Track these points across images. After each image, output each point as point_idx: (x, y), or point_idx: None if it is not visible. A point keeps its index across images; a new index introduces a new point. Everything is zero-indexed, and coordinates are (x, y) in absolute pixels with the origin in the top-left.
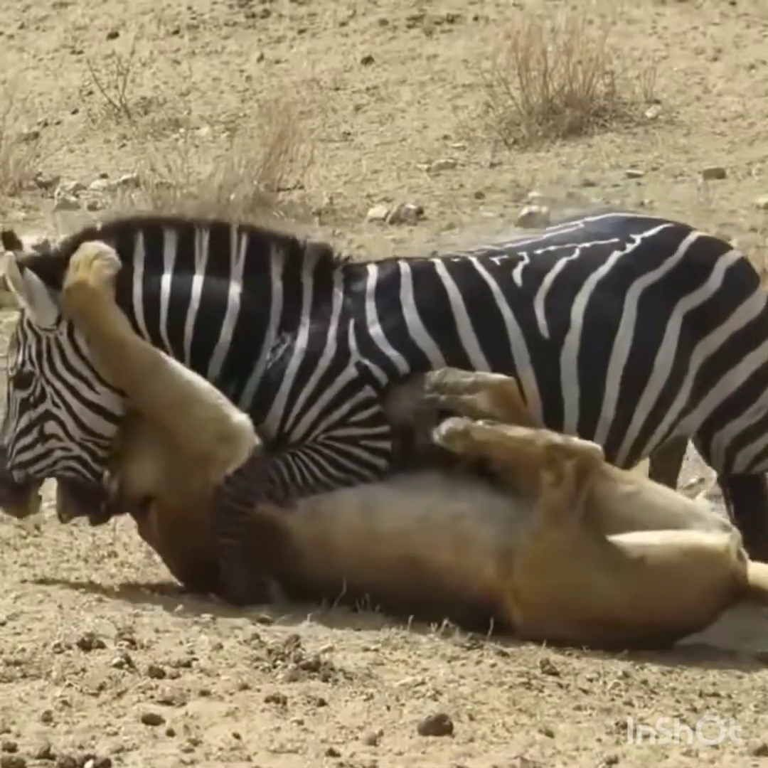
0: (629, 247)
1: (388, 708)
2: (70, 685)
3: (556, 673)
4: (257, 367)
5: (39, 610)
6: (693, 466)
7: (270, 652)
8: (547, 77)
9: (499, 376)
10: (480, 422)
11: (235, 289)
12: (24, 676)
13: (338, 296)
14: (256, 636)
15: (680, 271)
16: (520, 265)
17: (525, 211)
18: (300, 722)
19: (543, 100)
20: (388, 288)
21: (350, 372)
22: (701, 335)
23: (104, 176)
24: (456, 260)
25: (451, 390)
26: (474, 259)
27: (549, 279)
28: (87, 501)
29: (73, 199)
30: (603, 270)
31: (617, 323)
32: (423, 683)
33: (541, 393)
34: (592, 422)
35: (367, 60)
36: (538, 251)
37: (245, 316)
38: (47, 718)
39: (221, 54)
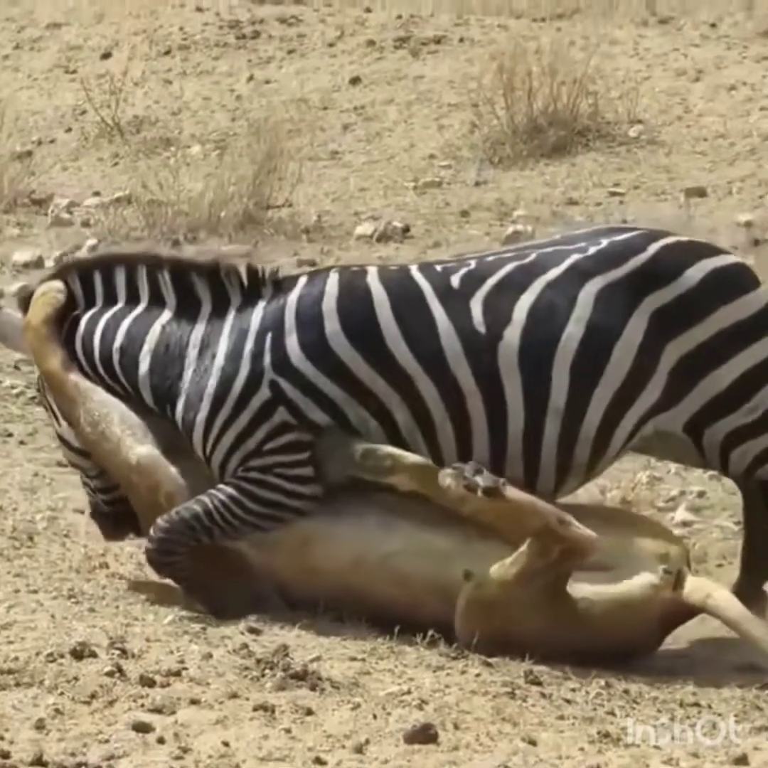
0: (591, 250)
1: (375, 717)
2: (62, 693)
3: (539, 683)
4: (181, 390)
5: (32, 619)
6: (673, 479)
7: (259, 661)
8: (531, 97)
9: (415, 459)
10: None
11: (161, 320)
12: (17, 685)
13: (260, 311)
14: (245, 645)
15: (647, 271)
16: (463, 270)
17: (510, 229)
18: (288, 730)
19: (527, 120)
20: (311, 299)
21: (264, 393)
22: (675, 333)
23: (97, 194)
24: (392, 268)
25: (371, 472)
26: (413, 267)
27: (492, 281)
28: (107, 523)
29: (66, 216)
30: (555, 271)
31: (565, 319)
32: (409, 692)
33: (479, 387)
34: (541, 410)
35: (355, 80)
36: (490, 258)
37: (163, 345)
38: (40, 725)
39: (212, 74)
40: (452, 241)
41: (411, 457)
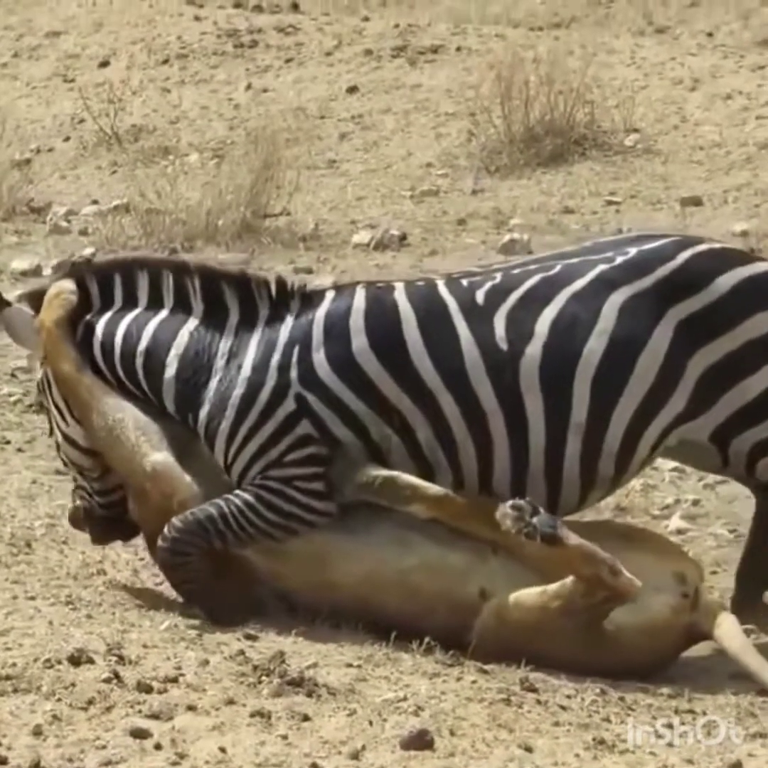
0: (619, 260)
1: (371, 723)
2: (59, 700)
3: (535, 690)
4: (205, 398)
5: (30, 625)
6: (668, 487)
7: (255, 667)
8: (528, 106)
9: (436, 490)
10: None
11: (188, 327)
12: (15, 691)
13: (288, 324)
14: (242, 652)
15: (674, 279)
16: (488, 284)
17: (506, 237)
18: (284, 737)
19: (524, 129)
20: (339, 314)
21: (289, 405)
22: (703, 342)
23: (95, 202)
24: (419, 283)
25: (390, 499)
26: (440, 282)
27: (516, 294)
28: (101, 527)
29: (64, 224)
30: (580, 283)
31: (588, 332)
32: (405, 699)
33: (500, 404)
34: (562, 426)
35: (352, 89)
36: (516, 270)
37: (190, 352)
38: (37, 731)
39: (210, 83)
40: (449, 250)
41: (432, 489)
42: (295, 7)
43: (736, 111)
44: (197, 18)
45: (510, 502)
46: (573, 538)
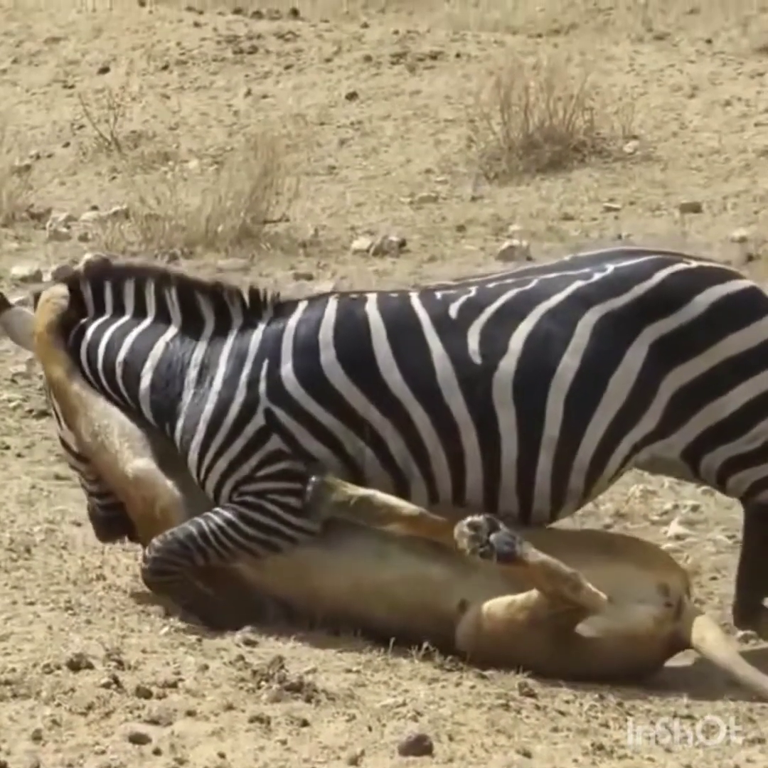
0: (596, 277)
1: (370, 728)
2: (59, 705)
3: (533, 695)
4: (180, 410)
5: (29, 631)
6: (667, 492)
7: (254, 673)
8: (527, 113)
9: (411, 510)
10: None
11: (165, 338)
12: (14, 696)
13: (258, 336)
14: (241, 657)
15: (650, 298)
16: (462, 298)
17: (505, 244)
18: (283, 742)
19: (523, 136)
20: (308, 326)
21: (258, 420)
22: (676, 361)
23: (95, 208)
24: (392, 295)
25: (365, 518)
26: (414, 294)
27: (491, 309)
28: (101, 525)
29: (64, 230)
30: (555, 299)
31: (562, 349)
32: (404, 704)
33: (472, 417)
34: (535, 440)
35: (352, 95)
36: (492, 284)
37: (165, 363)
38: (37, 736)
39: (209, 89)
40: (448, 256)
41: (407, 508)
42: (294, 13)
43: (735, 118)
44: (197, 24)
45: (467, 520)
46: (532, 556)
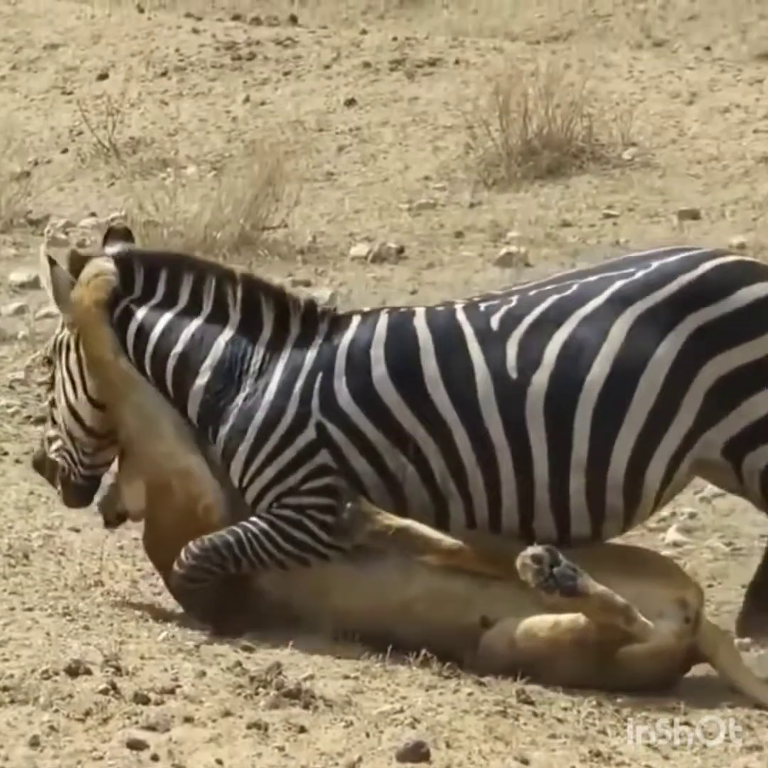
0: (638, 274)
1: (367, 735)
2: (57, 711)
3: (531, 702)
4: (230, 414)
5: (27, 637)
6: None
7: (252, 679)
8: (526, 120)
9: (449, 543)
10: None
11: (225, 336)
12: (12, 702)
13: (315, 348)
14: (239, 663)
15: (692, 289)
16: (503, 309)
17: (503, 250)
18: (281, 748)
19: (522, 142)
20: (362, 341)
21: (309, 433)
22: (715, 352)
23: (93, 214)
24: (439, 308)
25: (402, 549)
26: (459, 306)
27: (530, 319)
28: (74, 493)
29: (62, 236)
30: (594, 303)
31: (593, 358)
32: (401, 711)
33: (506, 434)
34: (564, 460)
35: (350, 102)
36: (532, 292)
37: (224, 364)
38: (34, 742)
39: (208, 95)
40: (446, 262)
41: (445, 541)
42: (293, 19)
43: (734, 124)
44: (195, 31)
45: (530, 551)
46: (592, 588)
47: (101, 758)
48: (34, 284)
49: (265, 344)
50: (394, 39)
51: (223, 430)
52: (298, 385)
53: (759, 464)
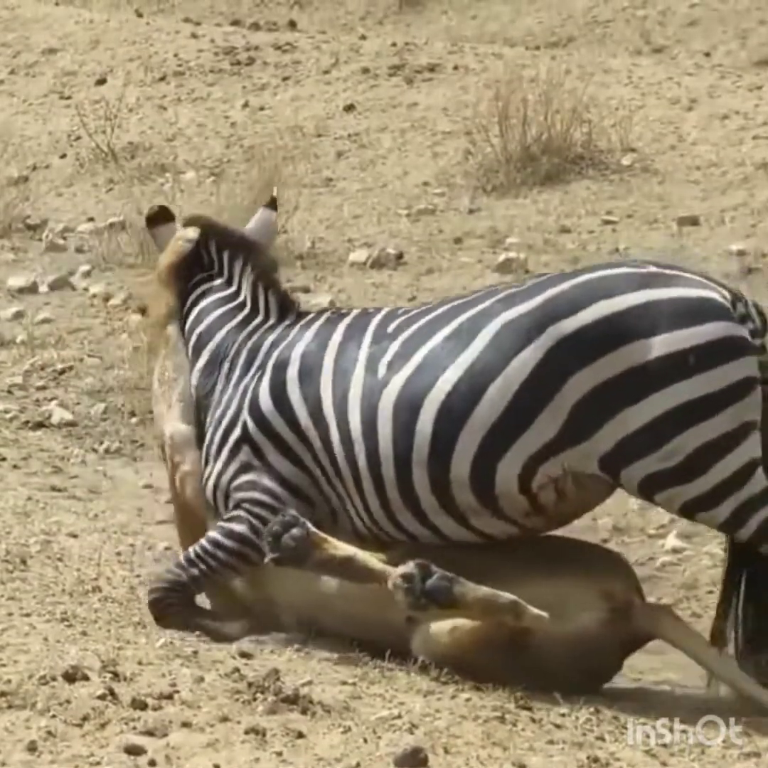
0: (513, 290)
1: (365, 740)
2: (54, 716)
3: (529, 708)
4: (212, 404)
5: (25, 642)
6: None
7: (250, 685)
8: (525, 125)
9: (386, 569)
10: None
11: (232, 324)
12: (9, 707)
13: (268, 345)
14: (237, 669)
15: (554, 302)
16: (410, 313)
17: (502, 256)
18: (279, 754)
19: (521, 148)
20: (290, 342)
21: (236, 432)
22: (581, 364)
23: (91, 219)
24: (370, 310)
25: (349, 577)
26: (386, 310)
27: (420, 322)
28: None
29: (60, 241)
30: (468, 314)
31: (451, 362)
32: (399, 716)
33: (363, 432)
34: (407, 459)
35: (349, 107)
36: (447, 303)
37: (215, 350)
38: (32, 747)
39: (206, 100)
40: (445, 268)
41: (389, 571)
42: (292, 25)
43: (733, 131)
44: (194, 36)
45: (399, 571)
46: (470, 594)
47: (99, 763)
48: (32, 289)
49: (247, 334)
50: (394, 44)
51: (206, 421)
52: (243, 383)
53: (634, 479)
